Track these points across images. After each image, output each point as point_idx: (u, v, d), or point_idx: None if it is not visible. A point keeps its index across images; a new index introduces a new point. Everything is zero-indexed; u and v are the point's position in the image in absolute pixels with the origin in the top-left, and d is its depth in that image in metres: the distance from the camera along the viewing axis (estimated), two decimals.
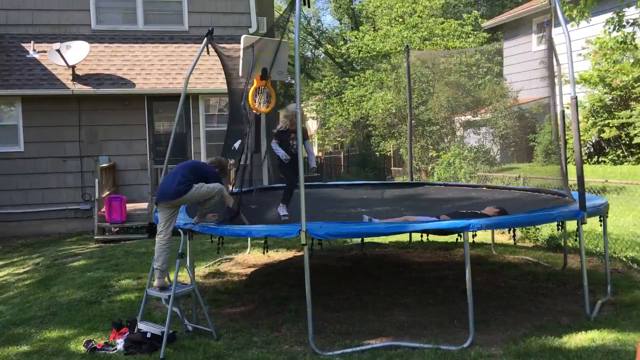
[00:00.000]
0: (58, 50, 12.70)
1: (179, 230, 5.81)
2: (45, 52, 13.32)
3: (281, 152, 6.93)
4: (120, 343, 5.52)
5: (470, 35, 24.11)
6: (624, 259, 8.02)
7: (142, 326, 5.58)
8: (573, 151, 8.58)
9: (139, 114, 13.62)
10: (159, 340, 5.50)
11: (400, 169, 14.53)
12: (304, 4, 6.09)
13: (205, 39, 7.50)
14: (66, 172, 13.33)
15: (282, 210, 6.84)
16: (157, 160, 13.85)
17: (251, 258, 9.01)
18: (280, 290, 7.23)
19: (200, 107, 13.95)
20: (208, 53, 7.70)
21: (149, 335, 5.57)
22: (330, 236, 5.21)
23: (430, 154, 12.90)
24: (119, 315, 6.48)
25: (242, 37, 8.93)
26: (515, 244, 9.98)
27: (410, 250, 9.40)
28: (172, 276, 5.70)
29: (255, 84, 9.03)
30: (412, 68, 13.88)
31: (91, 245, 11.06)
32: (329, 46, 28.24)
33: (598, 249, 8.60)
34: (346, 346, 5.28)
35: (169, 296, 5.48)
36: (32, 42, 13.55)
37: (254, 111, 9.23)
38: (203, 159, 13.69)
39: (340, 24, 44.68)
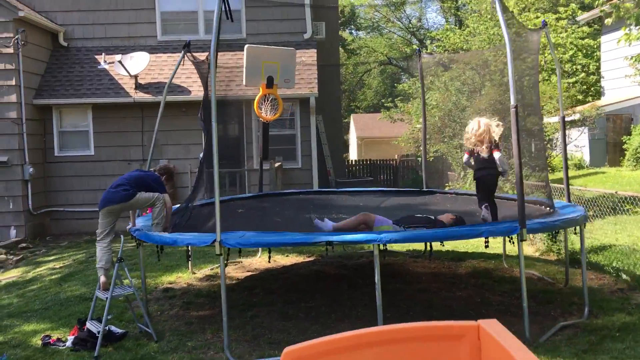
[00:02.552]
0: (120, 62, 13.71)
1: (121, 235, 6.21)
2: (114, 63, 14.39)
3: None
4: (70, 340, 5.98)
5: (567, 29, 22.79)
6: (628, 278, 7.33)
7: (89, 325, 6.01)
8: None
9: (195, 120, 14.29)
10: (105, 339, 5.91)
11: (453, 173, 14.06)
12: (227, 18, 6.23)
13: (183, 50, 7.81)
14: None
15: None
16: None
17: (257, 263, 9.24)
18: (255, 296, 7.40)
19: (253, 112, 14.39)
20: (183, 64, 8.00)
21: (98, 334, 5.98)
22: (240, 245, 5.32)
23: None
24: (100, 312, 6.98)
25: (246, 47, 9.23)
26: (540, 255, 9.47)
27: (418, 260, 9.17)
28: (134, 281, 6.08)
29: (261, 92, 9.31)
30: (458, 70, 13.43)
31: (133, 244, 11.83)
32: (414, 46, 27.70)
33: (613, 264, 7.93)
34: (261, 356, 5.36)
35: (107, 298, 5.86)
36: (103, 54, 14.69)
37: (260, 119, 9.51)
38: (255, 163, 14.16)
39: (447, 22, 43.78)
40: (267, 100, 9.21)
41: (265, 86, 9.11)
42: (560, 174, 16.10)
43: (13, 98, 13.28)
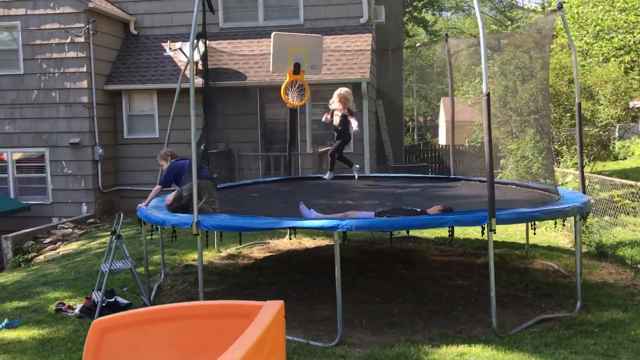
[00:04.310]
0: (180, 49, 14.39)
1: (121, 213, 6.71)
2: (177, 50, 15.12)
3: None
4: (78, 308, 6.57)
5: None
6: None
7: (93, 295, 6.56)
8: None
9: (251, 104, 14.81)
10: (110, 308, 6.46)
11: (505, 161, 13.61)
12: (209, 10, 6.45)
13: (196, 40, 8.15)
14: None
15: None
16: (267, 147, 14.98)
17: (282, 244, 9.52)
18: (263, 276, 7.72)
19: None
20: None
21: (104, 304, 6.54)
22: (215, 228, 5.62)
23: (508, 146, 11.95)
24: (118, 284, 7.59)
25: (272, 34, 9.48)
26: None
27: (441, 247, 9.12)
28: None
29: (288, 78, 9.55)
30: (509, 54, 12.98)
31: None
32: (494, 26, 26.65)
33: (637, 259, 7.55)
34: None
35: (108, 271, 6.38)
36: (168, 41, 15.46)
37: (287, 105, 9.77)
38: (308, 147, 14.45)
39: (543, 1, 41.76)
40: (294, 87, 9.43)
41: (292, 72, 9.34)
42: (620, 164, 15.24)
43: (84, 84, 14.32)
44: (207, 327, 2.30)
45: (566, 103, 11.82)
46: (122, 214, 6.91)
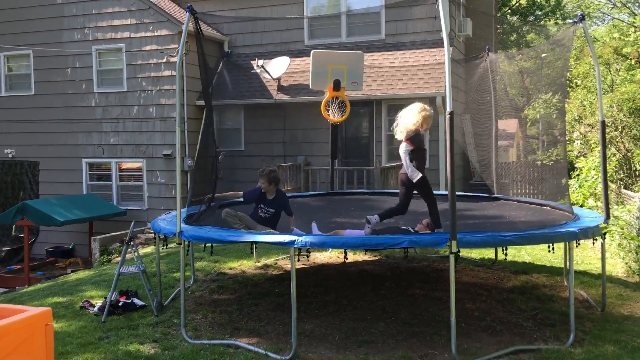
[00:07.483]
0: (263, 66, 15.05)
1: (132, 220, 7.23)
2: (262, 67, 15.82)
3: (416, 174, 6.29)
4: (97, 306, 7.19)
5: None
6: None
7: (109, 296, 7.15)
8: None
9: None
10: (125, 308, 7.03)
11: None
12: (200, 34, 6.75)
13: (222, 61, 8.58)
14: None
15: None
16: (343, 161, 15.16)
17: (322, 257, 9.67)
18: (279, 287, 7.93)
19: (382, 112, 14.73)
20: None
21: (120, 304, 7.13)
22: (192, 239, 5.94)
23: (578, 163, 10.98)
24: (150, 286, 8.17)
25: (312, 52, 9.71)
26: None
27: (477, 268, 8.79)
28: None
29: (327, 95, 9.75)
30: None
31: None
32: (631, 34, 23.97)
33: None
34: (213, 338, 5.95)
35: (119, 274, 6.94)
36: (256, 59, 16.21)
37: (329, 120, 9.95)
38: (384, 161, 14.48)
39: None
40: (335, 103, 9.59)
41: (332, 89, 9.52)
42: None
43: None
44: None
45: None
46: (133, 222, 7.43)
